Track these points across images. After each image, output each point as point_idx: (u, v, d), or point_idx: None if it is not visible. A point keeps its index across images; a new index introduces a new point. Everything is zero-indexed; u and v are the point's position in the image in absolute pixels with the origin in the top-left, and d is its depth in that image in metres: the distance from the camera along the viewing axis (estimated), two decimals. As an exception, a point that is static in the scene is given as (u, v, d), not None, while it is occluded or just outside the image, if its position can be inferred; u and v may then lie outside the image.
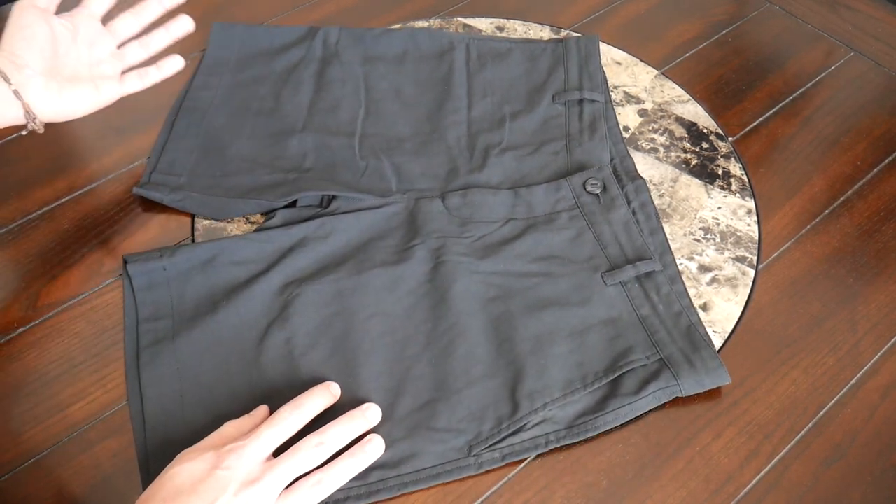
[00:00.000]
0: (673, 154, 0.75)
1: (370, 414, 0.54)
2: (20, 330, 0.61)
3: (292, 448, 0.50)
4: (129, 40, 0.68)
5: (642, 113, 0.78)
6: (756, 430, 0.58)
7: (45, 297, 0.63)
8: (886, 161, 0.75)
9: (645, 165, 0.73)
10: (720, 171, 0.73)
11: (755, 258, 0.67)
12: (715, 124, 0.77)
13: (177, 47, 0.83)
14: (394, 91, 0.78)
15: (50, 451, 0.55)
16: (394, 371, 0.58)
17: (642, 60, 0.83)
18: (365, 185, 0.69)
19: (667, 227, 0.68)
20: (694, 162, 0.74)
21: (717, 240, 0.68)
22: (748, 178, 0.73)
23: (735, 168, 0.74)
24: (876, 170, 0.74)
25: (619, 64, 0.83)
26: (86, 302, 0.63)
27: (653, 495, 0.54)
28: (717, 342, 0.62)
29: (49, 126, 0.63)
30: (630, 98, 0.79)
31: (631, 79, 0.81)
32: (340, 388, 0.57)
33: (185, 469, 0.48)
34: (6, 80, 0.58)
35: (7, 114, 0.59)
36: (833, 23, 0.88)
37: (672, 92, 0.80)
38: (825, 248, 0.68)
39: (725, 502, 0.54)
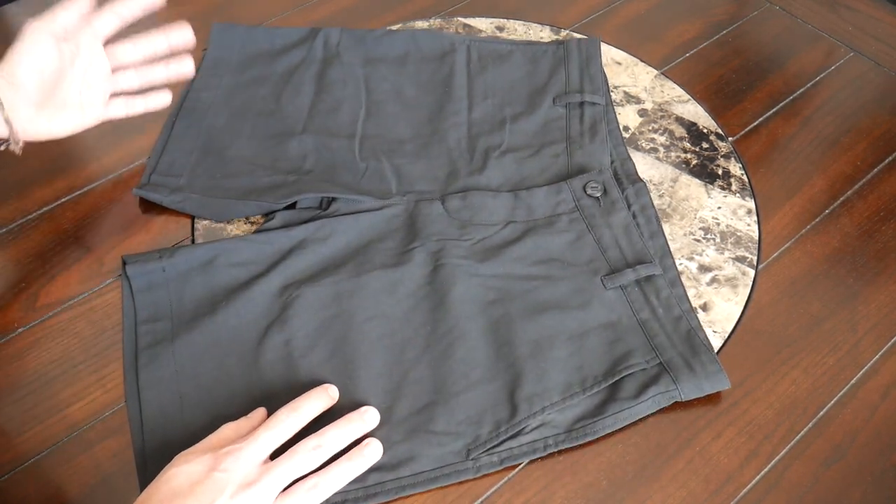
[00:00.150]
0: (673, 154, 0.74)
1: (368, 417, 0.54)
2: (20, 330, 0.61)
3: (289, 451, 0.50)
4: (126, 67, 0.68)
5: (642, 113, 0.78)
6: (756, 430, 0.58)
7: (45, 297, 0.63)
8: (886, 161, 0.75)
9: (645, 165, 0.73)
10: (720, 171, 0.73)
11: (755, 258, 0.67)
12: (715, 124, 0.77)
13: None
14: (394, 93, 0.78)
15: (50, 451, 0.55)
16: (392, 373, 0.58)
17: (642, 60, 0.83)
18: (365, 186, 0.69)
19: (667, 227, 0.68)
20: (694, 162, 0.74)
21: (717, 240, 0.68)
22: (748, 178, 0.73)
23: (735, 168, 0.74)
24: (876, 170, 0.74)
25: (619, 64, 0.83)
26: (86, 302, 0.63)
27: (653, 496, 0.54)
28: (717, 342, 0.62)
29: None
30: (630, 98, 0.79)
31: (631, 79, 0.81)
32: (339, 390, 0.57)
33: (182, 471, 0.48)
34: (1, 106, 0.58)
35: None
36: (833, 23, 0.88)
37: (672, 92, 0.80)
38: (825, 248, 0.68)
39: (725, 502, 0.54)
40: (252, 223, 0.68)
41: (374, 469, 0.54)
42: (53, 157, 0.72)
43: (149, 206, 0.69)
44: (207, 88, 0.77)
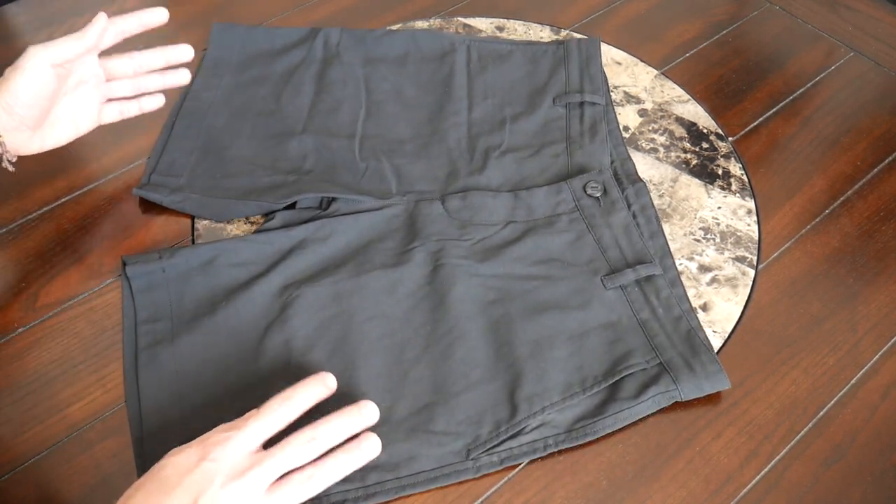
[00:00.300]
0: (673, 154, 0.74)
1: (366, 412, 0.52)
2: (20, 330, 0.61)
3: (283, 441, 0.49)
4: (122, 78, 0.68)
5: (642, 113, 0.78)
6: (756, 430, 0.58)
7: (45, 297, 0.63)
8: (886, 161, 0.75)
9: (645, 165, 0.73)
10: (720, 171, 0.73)
11: (755, 258, 0.67)
12: (715, 124, 0.77)
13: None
14: (394, 93, 0.78)
15: (50, 451, 0.55)
16: (392, 373, 0.58)
17: (642, 60, 0.83)
18: (365, 186, 0.69)
19: (667, 227, 0.68)
20: (694, 162, 0.74)
21: (717, 240, 0.68)
22: (748, 178, 0.73)
23: (735, 168, 0.74)
24: (876, 170, 0.74)
25: (619, 64, 0.83)
26: (86, 302, 0.63)
27: (653, 496, 0.54)
28: (717, 342, 0.62)
29: None
30: (630, 98, 0.79)
31: (631, 79, 0.81)
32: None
33: (172, 462, 0.47)
34: None
35: None
36: (833, 23, 0.88)
37: (672, 92, 0.80)
38: (825, 248, 0.68)
39: (725, 502, 0.54)
40: (252, 223, 0.68)
41: (374, 468, 0.54)
42: (53, 157, 0.72)
43: (149, 206, 0.69)
44: (207, 88, 0.77)
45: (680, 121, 0.77)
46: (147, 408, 0.56)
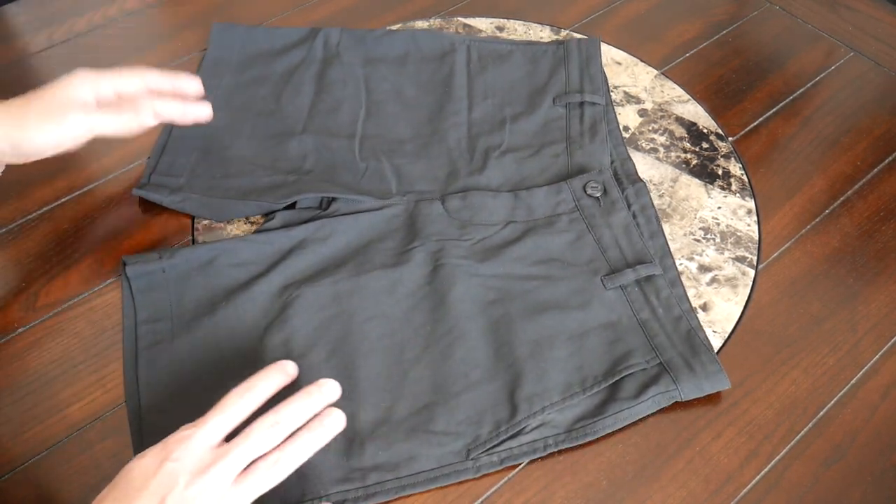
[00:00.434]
0: (673, 154, 0.74)
1: (327, 389, 0.51)
2: (20, 330, 0.61)
3: (245, 430, 0.48)
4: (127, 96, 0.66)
5: (642, 113, 0.78)
6: (756, 430, 0.58)
7: (45, 297, 0.63)
8: (886, 161, 0.75)
9: (645, 165, 0.73)
10: (720, 171, 0.73)
11: (755, 258, 0.67)
12: (715, 124, 0.77)
13: (177, 46, 0.83)
14: (394, 93, 0.78)
15: (50, 451, 0.55)
16: (392, 373, 0.58)
17: (642, 60, 0.83)
18: (365, 186, 0.69)
19: (667, 227, 0.68)
20: (694, 162, 0.74)
21: (717, 240, 0.68)
22: (748, 178, 0.73)
23: (735, 168, 0.74)
24: (876, 170, 0.74)
25: (619, 64, 0.83)
26: (86, 302, 0.63)
27: (653, 496, 0.54)
28: (717, 342, 0.62)
29: None
30: (630, 98, 0.79)
31: (631, 79, 0.81)
32: (338, 390, 0.56)
33: (136, 466, 0.47)
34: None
35: None
36: (833, 23, 0.88)
37: (672, 92, 0.80)
38: (825, 248, 0.68)
39: (725, 502, 0.54)
40: (252, 223, 0.68)
41: (374, 468, 0.54)
42: (53, 156, 0.72)
43: (149, 206, 0.69)
44: (207, 88, 0.76)
45: (680, 121, 0.77)
46: (147, 408, 0.56)
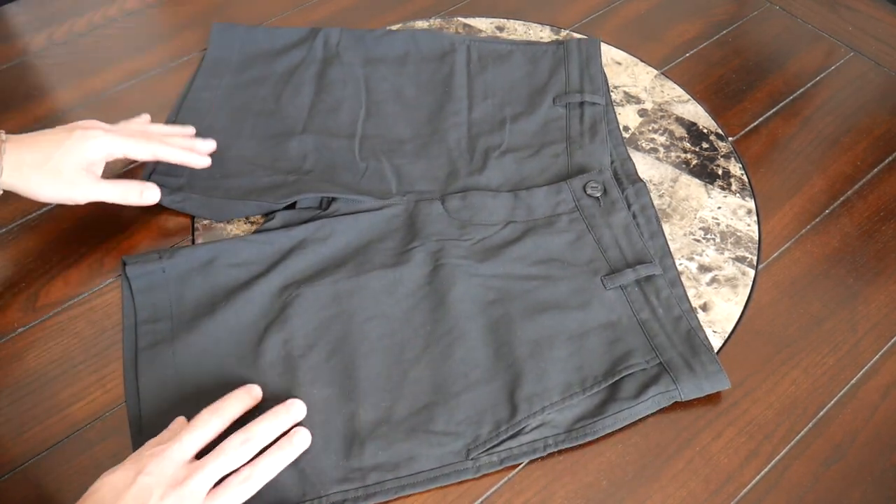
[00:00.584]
0: (673, 154, 0.74)
1: (294, 409, 0.54)
2: (20, 330, 0.61)
3: (218, 448, 0.50)
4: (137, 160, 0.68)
5: (642, 113, 0.78)
6: (756, 430, 0.58)
7: (45, 297, 0.63)
8: (886, 161, 0.75)
9: (645, 165, 0.73)
10: (720, 171, 0.73)
11: (755, 258, 0.67)
12: (715, 124, 0.77)
13: (177, 46, 0.83)
14: (394, 92, 0.78)
15: (50, 451, 0.55)
16: (392, 373, 0.58)
17: (642, 60, 0.83)
18: (365, 186, 0.69)
19: (667, 227, 0.68)
20: (694, 162, 0.74)
21: (717, 240, 0.68)
22: (748, 178, 0.73)
23: (735, 168, 0.74)
24: (876, 170, 0.74)
25: (619, 64, 0.83)
26: (86, 302, 0.63)
27: (653, 496, 0.54)
28: (717, 342, 0.62)
29: None
30: (630, 98, 0.79)
31: (631, 79, 0.81)
32: (338, 390, 0.56)
33: (107, 482, 0.47)
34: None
35: None
36: (833, 23, 0.88)
37: (672, 92, 0.80)
38: (825, 248, 0.68)
39: (725, 502, 0.54)
40: (252, 223, 0.68)
41: (374, 468, 0.54)
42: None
43: (149, 207, 0.68)
44: (207, 88, 0.77)
45: (680, 121, 0.77)
46: (147, 408, 0.56)
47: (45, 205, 0.69)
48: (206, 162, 0.68)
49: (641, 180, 0.71)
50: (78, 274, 0.65)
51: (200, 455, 0.50)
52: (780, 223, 0.70)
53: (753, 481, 0.55)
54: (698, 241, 0.68)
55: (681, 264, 0.66)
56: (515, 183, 0.70)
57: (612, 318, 0.61)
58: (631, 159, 0.73)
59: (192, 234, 0.67)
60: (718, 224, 0.69)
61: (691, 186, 0.72)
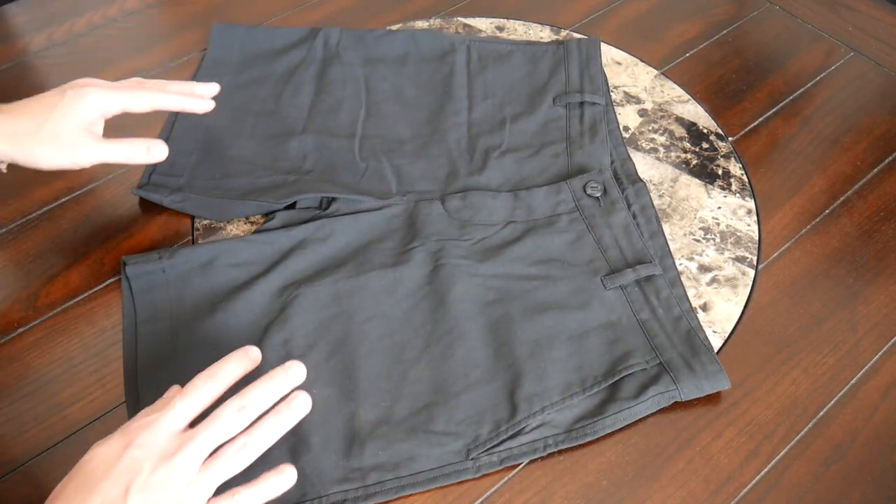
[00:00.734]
0: (673, 154, 0.74)
1: (293, 372, 0.50)
2: (20, 330, 0.61)
3: (211, 415, 0.47)
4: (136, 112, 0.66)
5: (642, 113, 0.78)
6: (756, 430, 0.58)
7: (45, 297, 0.63)
8: (886, 161, 0.75)
9: (645, 165, 0.73)
10: (720, 171, 0.73)
11: (755, 258, 0.67)
12: (715, 124, 0.77)
13: (177, 46, 0.83)
14: (394, 93, 0.78)
15: (50, 451, 0.55)
16: (392, 373, 0.58)
17: (642, 60, 0.83)
18: (365, 186, 0.69)
19: (666, 228, 0.68)
20: (694, 162, 0.74)
21: (717, 240, 0.68)
22: (748, 178, 0.73)
23: (735, 168, 0.74)
24: (876, 170, 0.74)
25: (619, 64, 0.83)
26: (86, 302, 0.63)
27: (653, 496, 0.54)
28: (717, 342, 0.62)
29: None
30: (630, 98, 0.79)
31: (631, 79, 0.81)
32: (338, 390, 0.56)
33: (96, 454, 0.45)
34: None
35: None
36: (833, 23, 0.88)
37: (672, 92, 0.80)
38: (825, 248, 0.68)
39: (725, 502, 0.54)
40: (252, 223, 0.68)
41: (374, 468, 0.54)
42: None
43: (149, 206, 0.69)
44: (207, 88, 0.77)
45: (680, 121, 0.77)
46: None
47: (44, 205, 0.69)
48: (209, 105, 0.65)
49: (641, 180, 0.71)
50: (78, 274, 0.65)
51: (196, 423, 0.47)
52: (780, 223, 0.70)
53: (753, 481, 0.55)
54: (698, 241, 0.68)
55: (681, 264, 0.66)
56: (515, 183, 0.70)
57: (612, 318, 0.61)
58: (631, 159, 0.73)
59: (192, 234, 0.67)
60: (718, 224, 0.69)
61: (691, 186, 0.72)
